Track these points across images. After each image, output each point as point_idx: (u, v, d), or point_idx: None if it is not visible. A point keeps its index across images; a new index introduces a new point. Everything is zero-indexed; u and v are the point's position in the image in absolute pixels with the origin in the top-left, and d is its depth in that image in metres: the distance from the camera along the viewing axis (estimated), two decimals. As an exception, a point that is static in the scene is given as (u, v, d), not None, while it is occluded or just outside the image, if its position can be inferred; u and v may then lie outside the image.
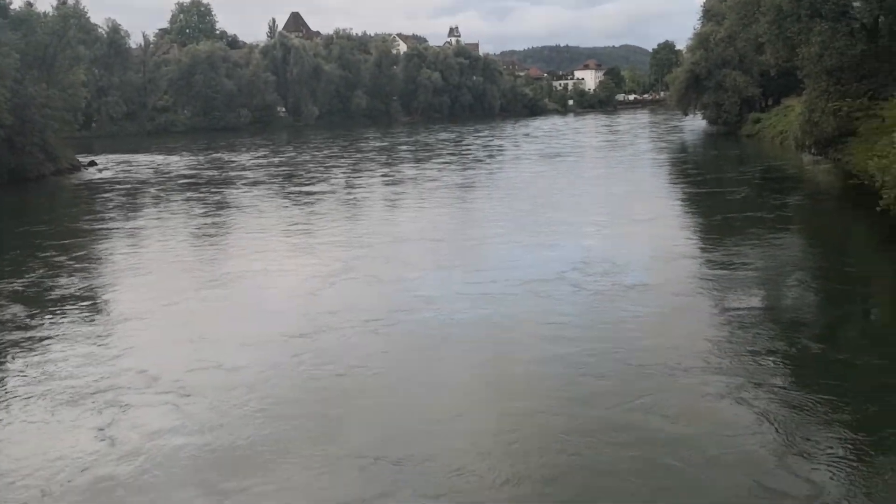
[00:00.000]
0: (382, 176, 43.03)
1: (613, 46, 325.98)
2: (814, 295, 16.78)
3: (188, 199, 35.26)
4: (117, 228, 27.61)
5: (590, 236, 22.98)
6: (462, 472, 8.87)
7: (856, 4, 31.82)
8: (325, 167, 48.30)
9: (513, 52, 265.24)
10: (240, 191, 37.51)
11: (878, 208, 19.85)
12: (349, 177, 42.78)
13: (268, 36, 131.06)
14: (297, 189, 37.43)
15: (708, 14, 66.98)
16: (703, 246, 21.63)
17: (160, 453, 9.56)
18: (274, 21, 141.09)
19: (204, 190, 38.34)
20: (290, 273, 19.75)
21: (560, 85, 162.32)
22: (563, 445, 9.47)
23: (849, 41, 30.63)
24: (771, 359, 12.14)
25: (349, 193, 35.76)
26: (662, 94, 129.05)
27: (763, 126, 58.49)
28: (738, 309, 15.00)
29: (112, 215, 30.97)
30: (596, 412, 10.43)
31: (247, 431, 10.09)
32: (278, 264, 20.77)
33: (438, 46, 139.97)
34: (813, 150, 35.92)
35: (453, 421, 10.42)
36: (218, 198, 35.24)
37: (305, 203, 32.45)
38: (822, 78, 31.50)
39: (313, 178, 42.21)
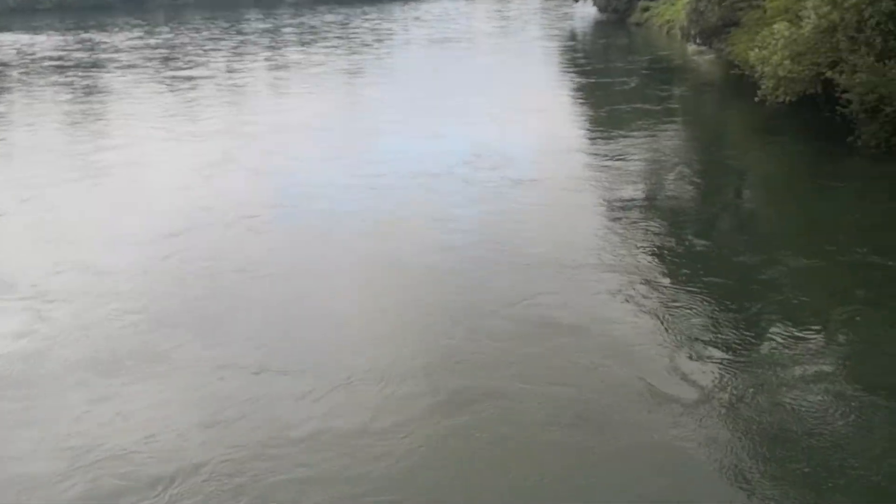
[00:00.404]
0: (265, 60, 41.06)
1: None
2: (695, 188, 16.95)
3: (54, 84, 32.98)
4: (-26, 115, 25.62)
5: (480, 127, 22.52)
6: (352, 385, 8.55)
7: None
8: (205, 50, 45.53)
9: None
10: (112, 75, 35.27)
11: (756, 99, 20.26)
12: (230, 61, 40.53)
13: None
14: (174, 74, 35.29)
15: None
16: (591, 138, 21.54)
17: (14, 365, 8.98)
18: None
19: (72, 73, 35.82)
20: (163, 165, 18.79)
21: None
22: (456, 353, 9.28)
23: (736, -71, 30.57)
24: (658, 255, 12.30)
25: (229, 79, 34.09)
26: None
27: (651, 14, 58.52)
28: (625, 203, 15.10)
29: (-32, 101, 28.68)
30: (489, 310, 10.32)
31: (116, 341, 9.59)
32: (151, 156, 19.68)
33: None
34: (698, 40, 36.14)
35: (341, 326, 10.17)
36: (87, 82, 33.07)
37: (182, 89, 30.77)
38: (708, -34, 31.46)
39: (191, 61, 39.77)
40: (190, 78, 33.80)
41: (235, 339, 9.74)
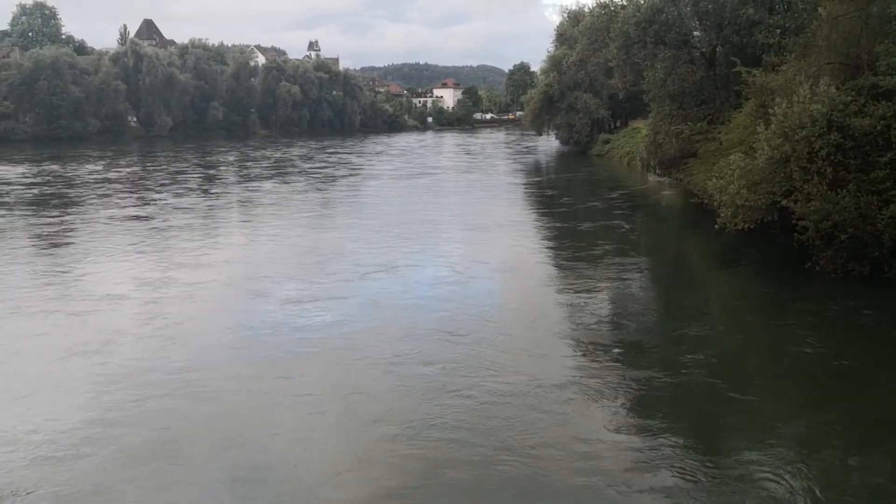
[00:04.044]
0: (225, 196, 40.20)
1: (471, 66, 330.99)
2: (663, 321, 16.77)
3: (16, 217, 32.04)
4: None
5: (451, 289, 19.41)
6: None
7: (696, 34, 33.61)
8: (162, 185, 44.70)
9: (373, 69, 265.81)
10: (70, 210, 34.58)
11: (715, 226, 20.78)
12: (187, 197, 38.93)
13: (119, 43, 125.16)
14: (112, 213, 32.88)
15: (561, 38, 69.29)
16: (569, 295, 18.99)
17: None
18: (125, 28, 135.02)
19: (21, 211, 33.97)
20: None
21: (420, 102, 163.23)
22: None
23: (690, 68, 32.29)
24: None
25: (177, 218, 31.43)
26: (518, 113, 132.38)
27: (612, 147, 60.87)
28: (605, 352, 14.30)
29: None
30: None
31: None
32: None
33: (298, 60, 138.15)
34: (657, 171, 37.50)
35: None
36: (28, 221, 30.77)
37: (123, 230, 28.31)
38: (665, 102, 32.93)
39: (141, 198, 38.21)
40: (138, 217, 31.49)
41: None
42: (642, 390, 12.33)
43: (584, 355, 14.10)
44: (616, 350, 14.41)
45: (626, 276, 20.82)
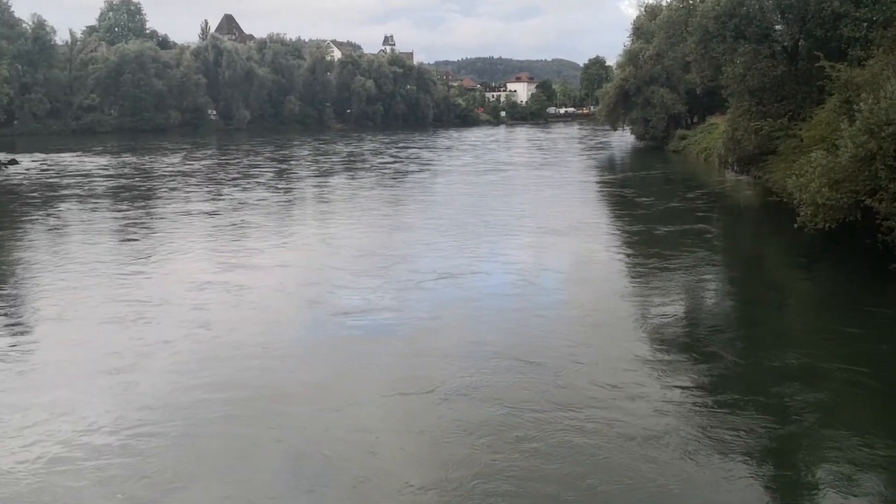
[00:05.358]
0: (293, 191, 40.45)
1: (545, 60, 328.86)
2: (740, 323, 16.50)
3: (92, 207, 32.98)
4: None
5: (518, 294, 18.57)
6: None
7: (778, 28, 32.70)
8: (233, 179, 45.13)
9: (447, 63, 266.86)
10: (114, 208, 35.20)
11: (795, 225, 20.18)
12: (251, 190, 39.18)
13: (200, 37, 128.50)
14: (179, 207, 32.92)
15: (637, 32, 68.20)
16: (645, 302, 18.13)
17: None
18: (206, 23, 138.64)
19: (90, 203, 34.52)
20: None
21: (493, 96, 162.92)
22: None
23: (770, 63, 31.43)
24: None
25: (240, 213, 31.21)
26: (593, 108, 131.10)
27: (689, 142, 59.65)
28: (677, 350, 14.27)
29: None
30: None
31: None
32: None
33: (373, 54, 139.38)
34: (735, 168, 36.70)
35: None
36: (93, 215, 31.12)
37: (174, 229, 27.56)
38: (744, 97, 32.19)
39: (210, 192, 38.58)
40: (205, 213, 31.56)
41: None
42: (744, 442, 10.37)
43: (673, 394, 12.08)
44: (710, 387, 12.53)
45: (710, 290, 19.93)
